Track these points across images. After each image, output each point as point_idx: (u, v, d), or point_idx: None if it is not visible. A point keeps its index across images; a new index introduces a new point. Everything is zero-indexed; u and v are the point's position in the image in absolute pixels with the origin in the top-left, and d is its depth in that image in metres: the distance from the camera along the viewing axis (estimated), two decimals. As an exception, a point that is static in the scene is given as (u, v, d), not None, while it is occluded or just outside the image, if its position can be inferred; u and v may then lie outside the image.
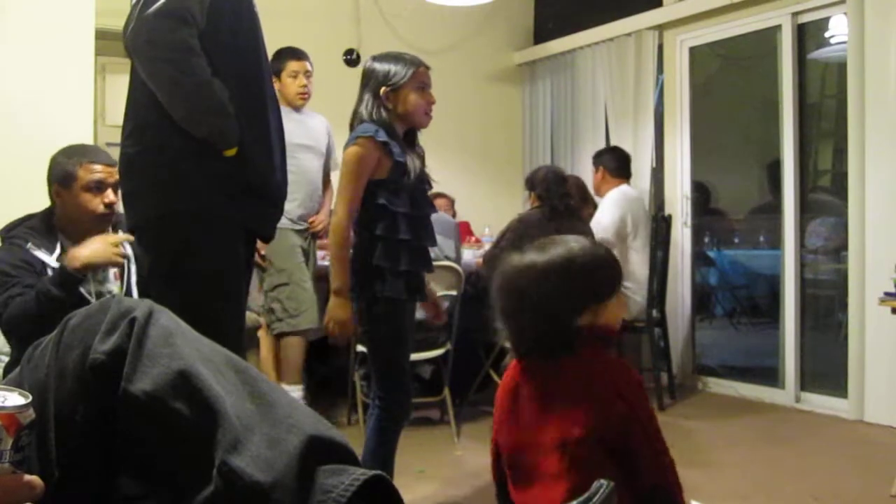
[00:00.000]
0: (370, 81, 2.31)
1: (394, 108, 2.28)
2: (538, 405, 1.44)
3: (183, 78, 1.78)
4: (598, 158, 4.44)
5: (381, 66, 2.30)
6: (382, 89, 2.27)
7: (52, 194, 2.25)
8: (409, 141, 2.37)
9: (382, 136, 2.20)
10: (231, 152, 1.85)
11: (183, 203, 1.85)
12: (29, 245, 2.15)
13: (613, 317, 1.46)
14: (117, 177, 2.17)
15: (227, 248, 1.91)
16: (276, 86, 3.30)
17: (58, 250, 2.18)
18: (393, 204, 2.21)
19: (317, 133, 3.68)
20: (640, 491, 1.34)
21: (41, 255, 2.15)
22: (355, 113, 2.32)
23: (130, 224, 1.98)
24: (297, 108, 3.60)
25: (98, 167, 2.22)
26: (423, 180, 2.35)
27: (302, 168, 3.52)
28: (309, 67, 3.60)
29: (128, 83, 1.93)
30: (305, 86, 3.58)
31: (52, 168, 2.25)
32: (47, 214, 2.27)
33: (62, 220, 2.25)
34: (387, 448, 2.26)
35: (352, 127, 2.33)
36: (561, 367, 1.43)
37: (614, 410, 1.35)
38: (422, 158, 2.37)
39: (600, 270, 1.46)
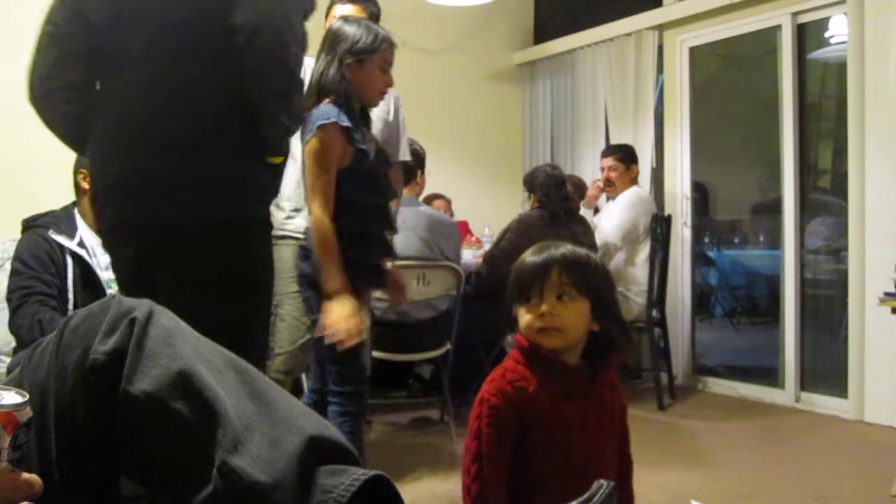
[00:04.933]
0: (336, 46, 2.12)
1: (352, 79, 2.10)
2: None
3: (297, 77, 1.69)
4: (629, 154, 4.39)
5: (351, 31, 2.13)
6: (348, 58, 2.10)
7: (79, 180, 2.32)
8: (363, 117, 2.21)
9: (345, 121, 2.04)
10: (278, 160, 1.78)
11: (237, 210, 1.75)
12: (50, 231, 2.21)
13: (524, 324, 1.42)
14: None
15: (270, 258, 1.86)
16: None
17: (78, 237, 2.25)
18: (360, 195, 2.09)
19: None
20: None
21: (61, 239, 2.20)
22: (321, 75, 2.12)
23: (175, 229, 1.80)
24: None
25: None
26: (383, 162, 2.21)
27: None
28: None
29: (156, 90, 1.69)
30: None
31: (78, 157, 2.30)
32: (69, 206, 2.36)
33: (84, 207, 2.32)
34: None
35: (317, 94, 2.12)
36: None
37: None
38: (374, 139, 2.20)
39: (519, 273, 1.45)
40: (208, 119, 1.66)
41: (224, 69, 1.63)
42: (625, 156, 4.40)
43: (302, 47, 1.66)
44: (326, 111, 2.04)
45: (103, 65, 1.72)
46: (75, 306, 2.13)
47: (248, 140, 1.69)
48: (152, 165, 1.67)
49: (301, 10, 1.66)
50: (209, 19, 1.63)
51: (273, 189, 1.83)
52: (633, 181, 4.37)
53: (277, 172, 1.82)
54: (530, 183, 3.93)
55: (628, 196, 4.25)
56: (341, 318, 1.98)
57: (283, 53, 1.63)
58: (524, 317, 1.42)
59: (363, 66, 2.11)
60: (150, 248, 1.71)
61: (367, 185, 2.10)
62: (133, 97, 1.68)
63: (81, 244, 2.24)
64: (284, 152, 1.78)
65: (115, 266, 1.84)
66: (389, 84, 2.20)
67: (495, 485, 1.36)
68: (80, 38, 1.71)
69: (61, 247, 2.18)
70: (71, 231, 2.25)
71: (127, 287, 1.77)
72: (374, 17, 2.75)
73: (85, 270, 2.19)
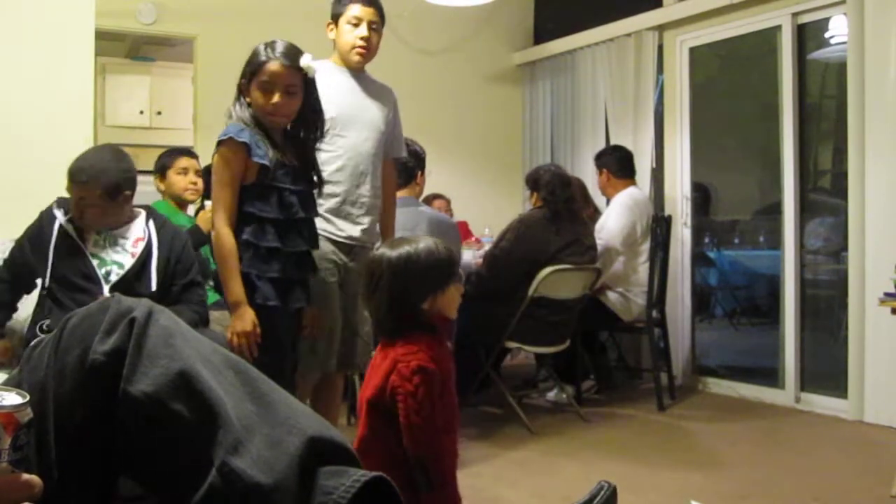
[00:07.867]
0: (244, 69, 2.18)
1: (252, 100, 2.15)
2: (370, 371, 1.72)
3: None
4: (600, 160, 4.43)
5: (251, 54, 2.17)
6: (241, 81, 2.16)
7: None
8: (295, 136, 2.25)
9: (244, 137, 2.08)
10: None
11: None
12: (55, 205, 2.42)
13: (448, 304, 1.73)
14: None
15: None
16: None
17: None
18: (260, 209, 2.12)
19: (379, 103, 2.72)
20: (407, 455, 1.60)
21: (58, 213, 2.40)
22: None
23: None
24: (354, 69, 2.65)
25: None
26: (305, 180, 2.24)
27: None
28: (370, 16, 2.58)
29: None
30: (366, 38, 2.56)
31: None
32: None
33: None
34: None
35: (229, 115, 2.21)
36: (395, 344, 1.67)
37: (388, 382, 1.62)
38: (304, 156, 2.23)
39: (435, 267, 1.70)
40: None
41: None
42: (598, 162, 4.44)
43: None
44: (226, 129, 2.13)
45: None
46: (53, 269, 2.33)
47: None
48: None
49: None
50: None
51: None
52: (614, 181, 4.35)
53: None
54: (534, 181, 3.91)
55: (622, 199, 4.25)
56: (235, 332, 2.10)
57: None
58: (450, 299, 1.72)
59: (250, 88, 2.17)
60: None
61: (268, 199, 2.14)
62: None
63: (72, 221, 2.39)
64: None
65: None
66: (274, 103, 2.15)
67: (445, 431, 1.62)
68: None
69: (53, 218, 2.38)
70: (69, 209, 2.42)
71: None
72: (382, 19, 2.68)
73: (67, 241, 2.37)
